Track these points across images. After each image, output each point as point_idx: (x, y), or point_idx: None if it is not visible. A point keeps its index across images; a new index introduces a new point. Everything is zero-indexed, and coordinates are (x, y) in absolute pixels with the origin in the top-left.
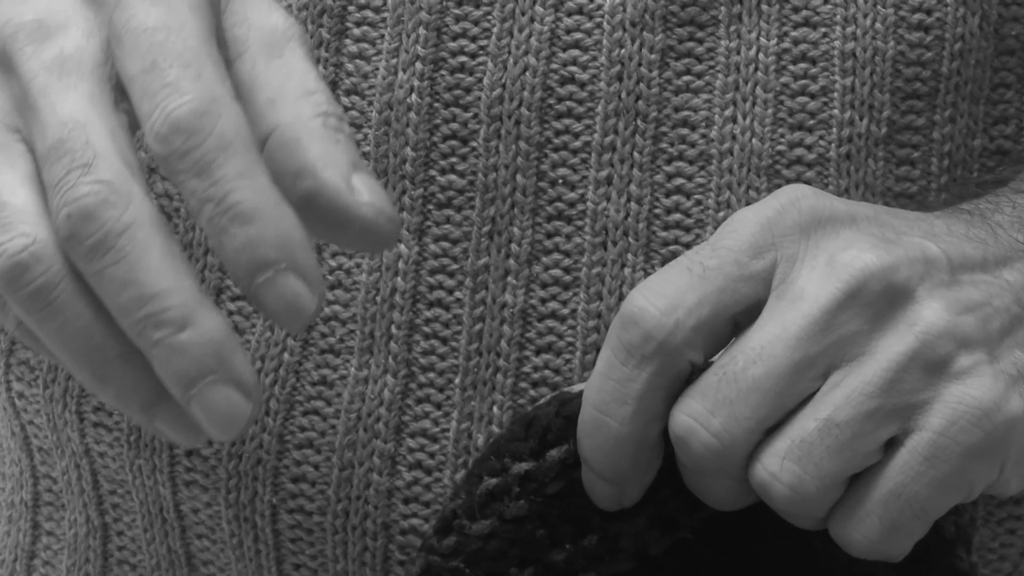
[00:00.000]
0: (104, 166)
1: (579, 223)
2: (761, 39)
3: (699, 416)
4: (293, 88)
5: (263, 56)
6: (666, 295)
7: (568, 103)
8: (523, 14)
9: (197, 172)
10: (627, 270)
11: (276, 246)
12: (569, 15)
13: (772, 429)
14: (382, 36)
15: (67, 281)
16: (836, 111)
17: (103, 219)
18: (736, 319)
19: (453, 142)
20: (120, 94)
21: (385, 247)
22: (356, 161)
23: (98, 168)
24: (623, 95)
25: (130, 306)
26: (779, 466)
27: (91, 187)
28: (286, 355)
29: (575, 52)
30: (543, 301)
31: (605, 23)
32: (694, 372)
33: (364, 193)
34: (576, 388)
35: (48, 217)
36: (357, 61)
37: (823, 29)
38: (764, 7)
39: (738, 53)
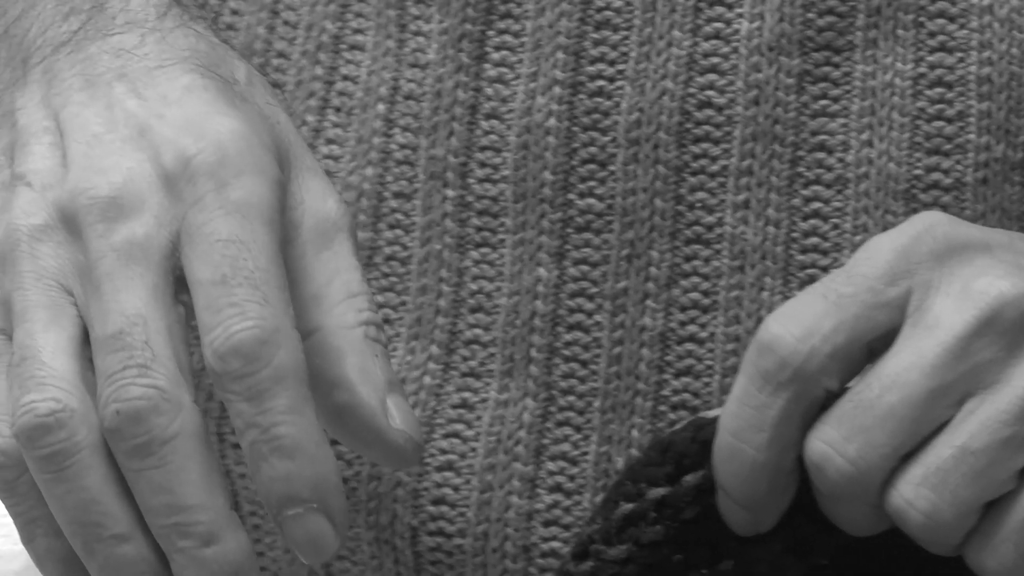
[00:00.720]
0: (160, 370)
1: (717, 246)
2: (897, 64)
3: (834, 443)
4: (338, 288)
5: (313, 245)
6: (802, 322)
7: (706, 127)
8: (660, 38)
9: (249, 397)
10: (765, 293)
11: (311, 486)
12: (706, 39)
13: (907, 456)
14: (521, 60)
15: (83, 455)
16: (972, 136)
17: (151, 425)
18: (871, 346)
19: (592, 166)
20: (181, 286)
21: (405, 468)
22: (392, 380)
23: (154, 372)
24: (760, 119)
25: (161, 511)
26: (914, 493)
27: (144, 391)
28: (427, 378)
29: (712, 76)
30: (682, 324)
31: (742, 48)
32: (829, 399)
33: (397, 418)
34: (712, 413)
35: (82, 387)
36: (496, 85)
37: (959, 54)
38: (900, 32)
39: (874, 78)
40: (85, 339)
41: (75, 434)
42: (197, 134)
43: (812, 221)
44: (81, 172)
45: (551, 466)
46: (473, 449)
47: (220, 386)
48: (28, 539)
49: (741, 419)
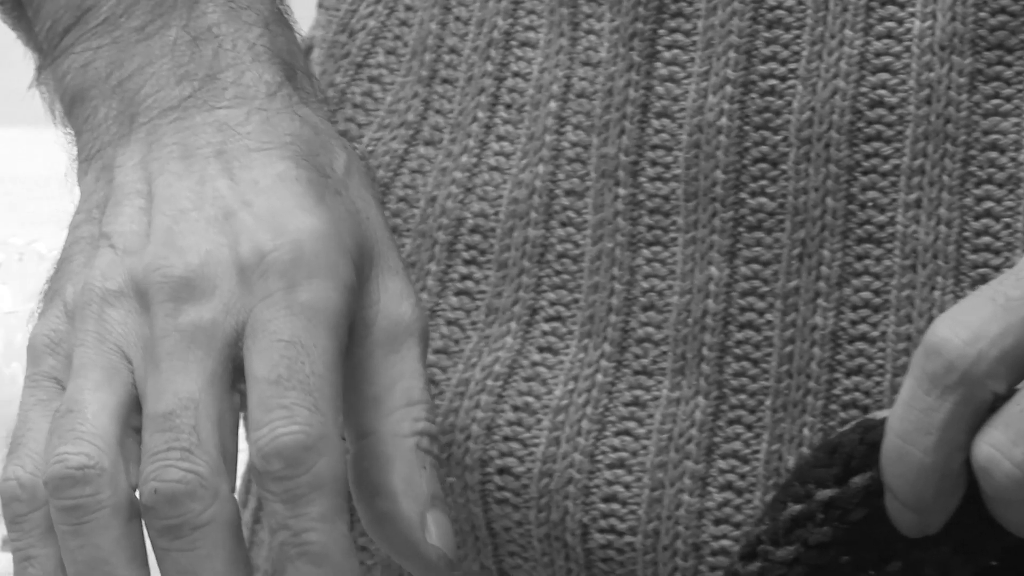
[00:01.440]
0: (202, 457)
1: (888, 246)
2: None
3: (1001, 446)
4: (399, 393)
5: (381, 347)
6: (969, 325)
7: (877, 126)
8: (832, 37)
9: (285, 500)
10: (936, 293)
11: None
12: (878, 39)
13: None
14: (692, 59)
15: (103, 514)
16: None
17: (185, 508)
18: None
19: (763, 165)
20: (240, 374)
21: None
22: (436, 494)
23: (196, 458)
24: (932, 118)
25: None
26: None
27: (184, 475)
28: (599, 376)
29: (884, 75)
30: (853, 323)
31: (914, 47)
32: (997, 402)
33: (434, 534)
34: (880, 415)
35: (117, 450)
36: (668, 84)
37: None
38: None
39: None
40: (133, 406)
41: (99, 492)
42: (277, 229)
43: (984, 220)
44: (160, 247)
45: (722, 464)
46: (644, 447)
47: (260, 483)
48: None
49: (908, 422)
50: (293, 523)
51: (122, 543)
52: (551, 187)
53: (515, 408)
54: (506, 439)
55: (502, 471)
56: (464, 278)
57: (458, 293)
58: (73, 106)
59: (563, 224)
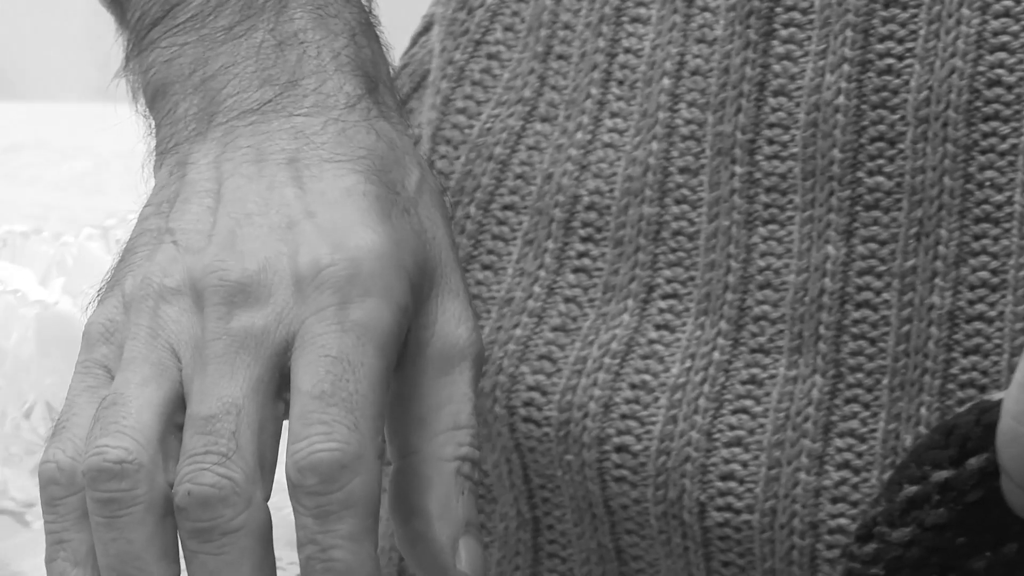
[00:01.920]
0: (239, 463)
1: (1007, 225)
2: None
3: None
4: (445, 416)
5: (433, 368)
6: None
7: (995, 106)
8: (949, 16)
9: (316, 515)
10: None
11: None
12: (996, 18)
13: None
14: (809, 38)
15: (137, 509)
16: None
17: (217, 513)
18: None
19: (880, 144)
20: (286, 384)
21: None
22: (471, 520)
23: (232, 464)
24: None
25: None
26: None
27: (218, 480)
28: (716, 354)
29: (1002, 55)
30: (971, 303)
31: None
32: None
33: (464, 560)
34: (996, 395)
35: (157, 446)
36: (784, 62)
37: None
38: None
39: None
40: (179, 404)
41: (136, 487)
42: (337, 244)
43: None
44: (220, 250)
45: (839, 443)
46: (762, 425)
47: (293, 496)
48: (49, 559)
49: (1023, 403)
50: (321, 538)
51: (155, 539)
52: (665, 164)
53: (632, 386)
54: (623, 417)
55: (619, 449)
56: (581, 255)
57: (575, 271)
58: (155, 100)
59: (678, 202)
